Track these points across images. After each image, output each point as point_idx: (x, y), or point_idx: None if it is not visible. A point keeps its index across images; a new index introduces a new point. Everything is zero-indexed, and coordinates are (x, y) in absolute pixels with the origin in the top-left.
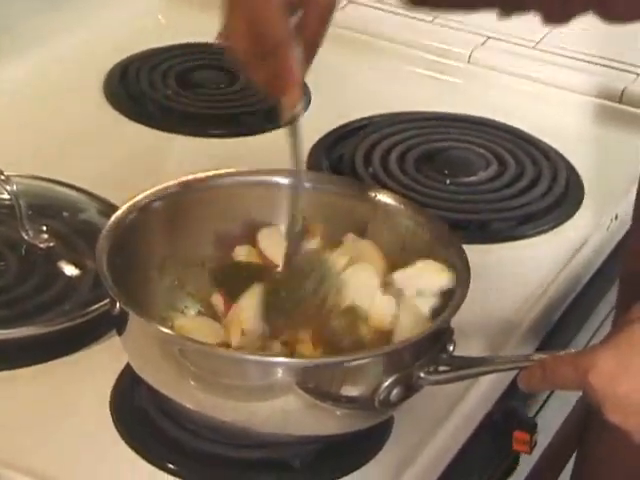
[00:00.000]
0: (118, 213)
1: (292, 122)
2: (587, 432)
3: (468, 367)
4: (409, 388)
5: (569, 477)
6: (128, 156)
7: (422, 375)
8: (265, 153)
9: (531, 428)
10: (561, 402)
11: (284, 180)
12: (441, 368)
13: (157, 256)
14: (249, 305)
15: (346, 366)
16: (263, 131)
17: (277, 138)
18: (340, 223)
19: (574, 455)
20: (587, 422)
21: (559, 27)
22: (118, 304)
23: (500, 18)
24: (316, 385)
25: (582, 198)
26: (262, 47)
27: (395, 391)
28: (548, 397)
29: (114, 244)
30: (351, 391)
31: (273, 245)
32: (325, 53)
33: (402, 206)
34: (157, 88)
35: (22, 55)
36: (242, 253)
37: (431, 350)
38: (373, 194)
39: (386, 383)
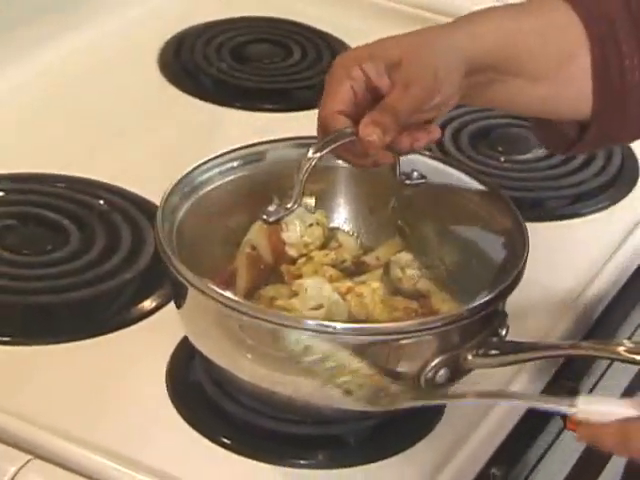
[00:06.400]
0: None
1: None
2: None
3: (516, 352)
4: (456, 370)
5: None
6: (182, 129)
7: (470, 357)
8: None
9: None
10: (614, 380)
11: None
12: (490, 352)
13: (218, 229)
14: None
15: (399, 343)
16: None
17: None
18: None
19: None
20: None
21: None
22: (178, 277)
23: None
24: (370, 360)
25: (637, 177)
26: None
27: (441, 372)
28: (602, 375)
29: (172, 218)
30: (400, 368)
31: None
32: (384, 28)
33: (470, 179)
34: (212, 62)
35: (78, 30)
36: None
37: (482, 333)
38: (443, 166)
39: (433, 363)
